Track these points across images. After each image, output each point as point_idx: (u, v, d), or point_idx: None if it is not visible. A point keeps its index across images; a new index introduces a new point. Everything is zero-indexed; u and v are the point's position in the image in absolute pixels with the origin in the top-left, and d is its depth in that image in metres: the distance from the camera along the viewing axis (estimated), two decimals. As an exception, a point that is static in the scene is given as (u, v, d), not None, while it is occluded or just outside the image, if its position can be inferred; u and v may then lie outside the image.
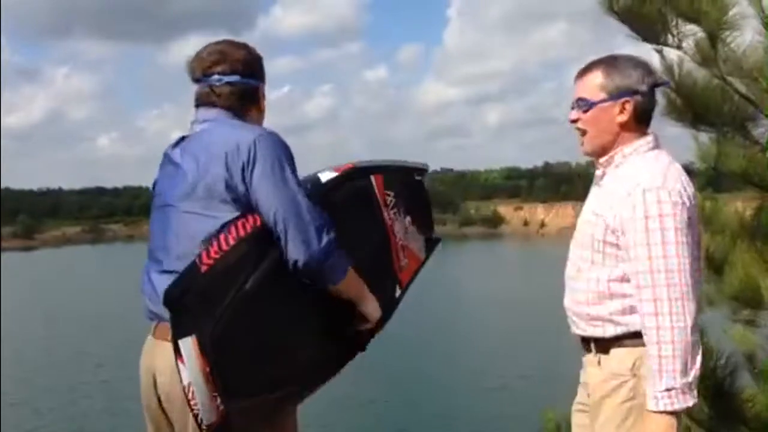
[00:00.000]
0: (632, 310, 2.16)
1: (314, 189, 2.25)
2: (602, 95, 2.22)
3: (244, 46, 2.35)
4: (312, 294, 2.15)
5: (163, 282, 2.11)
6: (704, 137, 3.60)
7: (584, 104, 2.24)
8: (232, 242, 2.04)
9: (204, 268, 2.01)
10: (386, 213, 2.44)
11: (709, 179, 4.29)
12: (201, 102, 2.31)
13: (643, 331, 2.11)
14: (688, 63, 3.38)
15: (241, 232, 2.06)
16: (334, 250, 2.12)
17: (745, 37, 3.30)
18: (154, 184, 2.40)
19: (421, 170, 2.61)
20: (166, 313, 2.08)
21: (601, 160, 2.27)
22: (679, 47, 3.39)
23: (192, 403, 2.01)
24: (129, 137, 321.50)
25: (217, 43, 2.35)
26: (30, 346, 28.47)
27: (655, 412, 2.06)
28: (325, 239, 2.10)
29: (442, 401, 19.79)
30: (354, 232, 2.27)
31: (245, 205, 2.13)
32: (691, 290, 2.06)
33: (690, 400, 2.05)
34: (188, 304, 2.01)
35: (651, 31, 3.31)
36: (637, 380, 2.16)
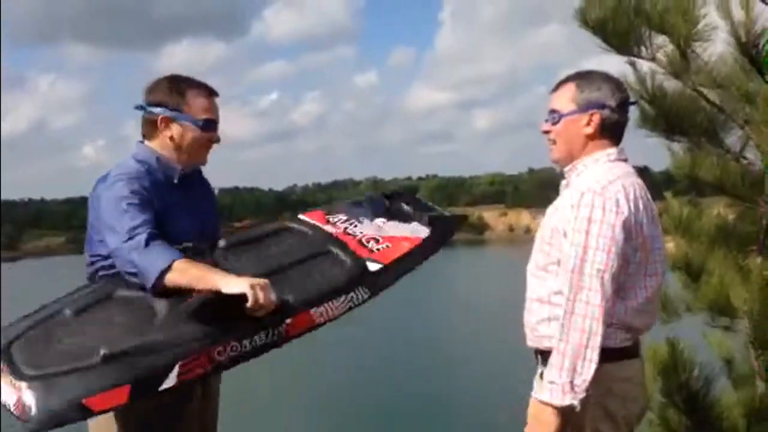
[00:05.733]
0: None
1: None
2: (572, 107, 2.29)
3: (165, 78, 2.52)
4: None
5: None
6: (678, 146, 3.65)
7: (555, 116, 2.32)
8: None
9: None
10: (329, 227, 2.64)
11: (690, 185, 4.34)
12: None
13: None
14: (660, 75, 3.43)
15: None
16: (135, 257, 2.24)
17: (715, 48, 3.35)
18: None
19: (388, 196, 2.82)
20: None
21: (566, 168, 2.34)
22: (652, 59, 3.43)
23: None
24: (115, 146, 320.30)
25: None
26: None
27: (535, 398, 2.14)
28: (127, 249, 2.26)
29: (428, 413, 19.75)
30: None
31: None
32: (598, 297, 2.06)
33: (568, 400, 2.06)
34: None
35: (624, 43, 3.35)
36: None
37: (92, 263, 2.48)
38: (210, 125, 2.48)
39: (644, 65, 3.46)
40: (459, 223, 2.79)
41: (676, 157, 3.68)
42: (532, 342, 2.31)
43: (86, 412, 1.95)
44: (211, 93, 2.52)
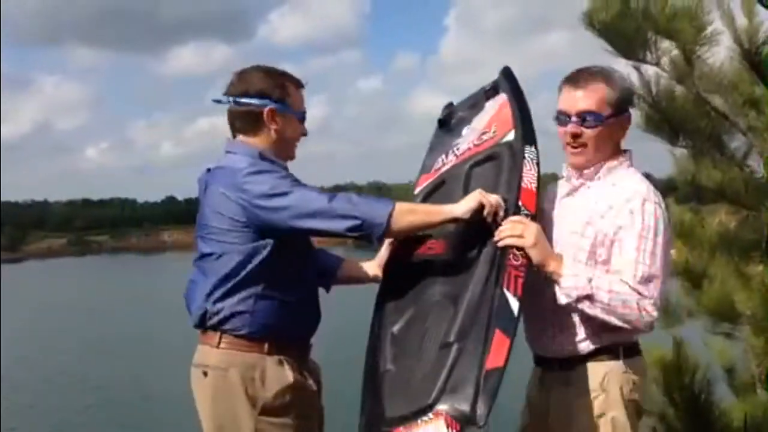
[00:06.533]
0: (606, 325, 2.15)
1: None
2: (609, 110, 2.17)
3: (260, 68, 2.43)
4: None
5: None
6: (681, 152, 3.65)
7: (592, 119, 2.17)
8: None
9: None
10: (446, 167, 2.57)
11: (693, 191, 4.33)
12: (229, 127, 2.45)
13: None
14: (665, 79, 3.43)
15: None
16: (350, 209, 2.19)
17: (720, 54, 3.36)
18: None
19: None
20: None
21: (586, 171, 2.25)
22: (657, 64, 3.43)
23: None
24: (118, 148, 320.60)
25: (247, 67, 2.45)
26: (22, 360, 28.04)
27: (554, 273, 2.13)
28: (337, 207, 2.19)
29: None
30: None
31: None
32: (658, 304, 2.08)
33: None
34: None
35: (630, 47, 3.36)
36: (606, 395, 2.17)
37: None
38: (305, 118, 2.47)
39: (649, 69, 3.46)
40: (507, 70, 2.61)
41: (679, 163, 3.67)
42: (559, 352, 2.25)
43: (498, 372, 1.96)
44: (301, 85, 2.48)
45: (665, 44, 3.40)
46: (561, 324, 2.23)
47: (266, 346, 2.28)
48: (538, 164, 2.29)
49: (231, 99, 2.38)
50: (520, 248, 2.11)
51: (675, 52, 3.36)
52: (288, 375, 2.28)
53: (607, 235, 2.15)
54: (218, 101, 2.40)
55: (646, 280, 2.07)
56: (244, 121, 2.39)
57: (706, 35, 3.32)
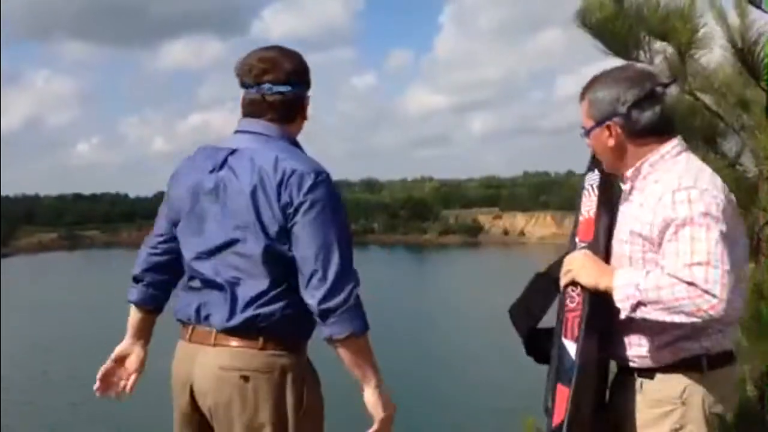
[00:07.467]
0: (693, 334, 2.08)
1: None
2: (590, 122, 2.19)
3: (294, 54, 2.32)
4: None
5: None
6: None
7: (582, 133, 2.24)
8: None
9: None
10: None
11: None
12: (248, 111, 2.29)
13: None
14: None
15: None
16: (351, 304, 2.11)
17: (714, 55, 3.37)
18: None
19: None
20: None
21: (628, 173, 2.17)
22: (650, 64, 3.44)
23: None
24: (110, 143, 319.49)
25: (268, 49, 2.31)
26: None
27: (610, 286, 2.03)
28: (345, 291, 2.10)
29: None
30: None
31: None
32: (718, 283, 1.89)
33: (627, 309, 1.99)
34: None
35: (623, 47, 3.36)
36: (686, 409, 2.10)
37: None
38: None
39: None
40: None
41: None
42: (641, 363, 2.17)
43: (559, 428, 2.00)
44: None
45: (658, 44, 3.40)
46: (636, 333, 2.15)
47: (301, 345, 2.25)
48: (601, 185, 2.28)
49: (282, 88, 2.25)
50: (575, 284, 2.09)
51: (669, 51, 3.36)
52: (317, 374, 2.28)
53: (653, 242, 2.05)
54: (265, 89, 2.24)
55: (691, 265, 1.90)
56: (285, 110, 2.27)
57: (698, 37, 3.32)
